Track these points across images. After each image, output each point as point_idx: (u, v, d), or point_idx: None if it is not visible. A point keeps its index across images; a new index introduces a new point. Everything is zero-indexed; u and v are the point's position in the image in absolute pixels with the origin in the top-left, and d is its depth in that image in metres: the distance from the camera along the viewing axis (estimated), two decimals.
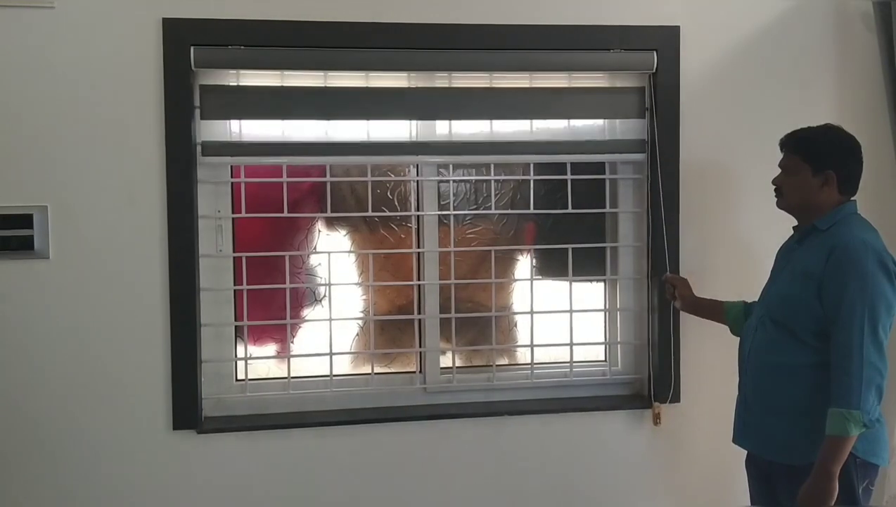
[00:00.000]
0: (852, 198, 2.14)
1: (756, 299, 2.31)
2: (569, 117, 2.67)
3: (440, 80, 2.59)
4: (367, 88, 2.56)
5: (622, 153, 2.69)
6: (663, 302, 2.65)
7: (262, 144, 2.52)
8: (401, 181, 2.68)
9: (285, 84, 2.51)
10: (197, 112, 2.48)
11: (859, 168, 2.13)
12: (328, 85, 2.54)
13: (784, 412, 2.10)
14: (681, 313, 2.66)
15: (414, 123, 2.59)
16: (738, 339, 2.29)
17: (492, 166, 2.67)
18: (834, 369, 1.97)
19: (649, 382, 2.72)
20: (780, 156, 2.20)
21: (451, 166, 2.65)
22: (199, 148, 2.49)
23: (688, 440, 2.74)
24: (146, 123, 2.42)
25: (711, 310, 2.50)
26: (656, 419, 2.68)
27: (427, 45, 2.53)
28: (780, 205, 2.20)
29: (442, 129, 2.62)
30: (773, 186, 2.20)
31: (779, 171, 2.19)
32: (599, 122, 2.70)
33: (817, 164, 2.09)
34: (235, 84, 2.50)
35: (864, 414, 1.92)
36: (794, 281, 2.10)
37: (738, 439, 2.25)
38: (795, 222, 2.21)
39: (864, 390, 1.92)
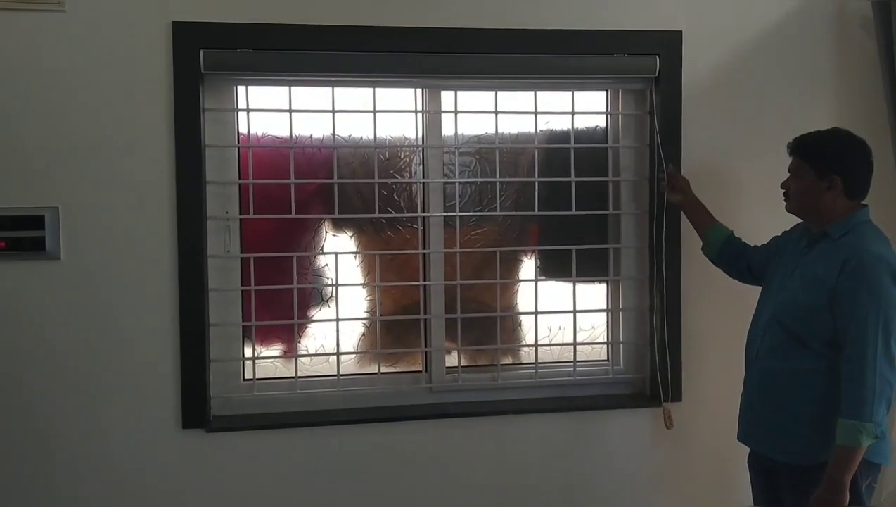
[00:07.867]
0: (864, 203, 2.15)
1: (759, 296, 2.31)
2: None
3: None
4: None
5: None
6: (665, 302, 2.68)
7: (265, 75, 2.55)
8: (407, 183, 2.71)
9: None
10: (206, 115, 2.51)
11: (867, 172, 2.13)
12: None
13: (790, 414, 2.12)
14: (682, 313, 2.70)
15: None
16: (743, 339, 2.30)
17: (497, 169, 2.70)
18: (846, 380, 1.99)
19: (651, 381, 2.76)
20: (781, 159, 2.23)
21: (456, 167, 2.69)
22: (207, 150, 2.52)
23: (690, 438, 2.76)
24: (156, 125, 2.44)
25: (699, 218, 2.52)
26: (668, 422, 2.69)
27: (433, 49, 2.56)
28: (788, 208, 2.22)
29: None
30: (782, 190, 2.22)
31: (786, 174, 2.21)
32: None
33: (822, 168, 2.10)
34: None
35: (875, 426, 1.95)
36: (805, 289, 2.10)
37: (743, 437, 2.27)
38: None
39: (875, 402, 1.95)
